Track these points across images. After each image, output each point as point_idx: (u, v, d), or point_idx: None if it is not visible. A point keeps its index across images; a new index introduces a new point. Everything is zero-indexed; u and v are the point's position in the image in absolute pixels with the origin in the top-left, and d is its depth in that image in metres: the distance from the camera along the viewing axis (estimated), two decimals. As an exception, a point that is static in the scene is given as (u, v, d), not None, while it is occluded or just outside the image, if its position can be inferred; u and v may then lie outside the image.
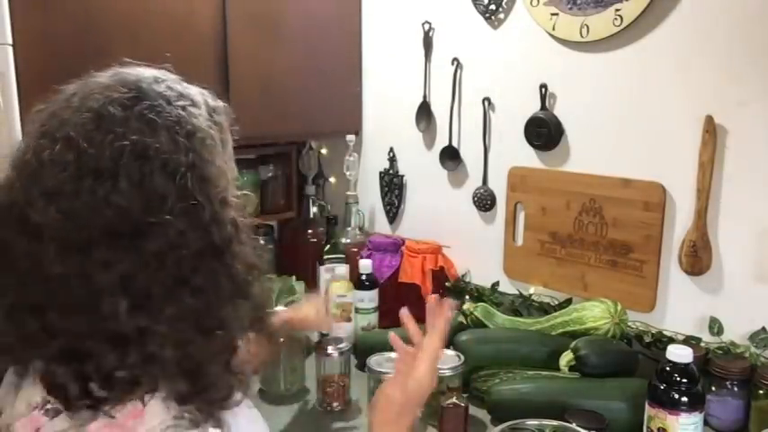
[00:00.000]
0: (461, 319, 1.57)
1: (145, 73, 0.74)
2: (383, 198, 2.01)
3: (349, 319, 1.69)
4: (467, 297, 1.75)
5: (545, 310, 1.61)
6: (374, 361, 1.37)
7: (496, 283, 1.73)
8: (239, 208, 0.74)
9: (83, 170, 0.64)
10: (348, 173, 1.96)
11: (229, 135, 0.80)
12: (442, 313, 1.05)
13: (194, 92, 0.76)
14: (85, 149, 0.65)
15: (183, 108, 0.71)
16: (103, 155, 0.65)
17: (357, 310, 1.69)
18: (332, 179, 2.16)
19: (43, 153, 0.66)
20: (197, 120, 0.72)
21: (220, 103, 0.79)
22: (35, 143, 0.67)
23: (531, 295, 1.66)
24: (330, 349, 1.41)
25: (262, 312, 0.77)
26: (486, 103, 1.71)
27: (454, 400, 1.25)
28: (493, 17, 1.66)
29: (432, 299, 1.07)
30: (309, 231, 2.04)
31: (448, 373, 1.34)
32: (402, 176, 1.95)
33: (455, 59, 1.76)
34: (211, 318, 0.69)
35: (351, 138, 1.93)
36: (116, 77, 0.72)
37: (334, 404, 1.41)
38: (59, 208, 0.64)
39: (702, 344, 1.37)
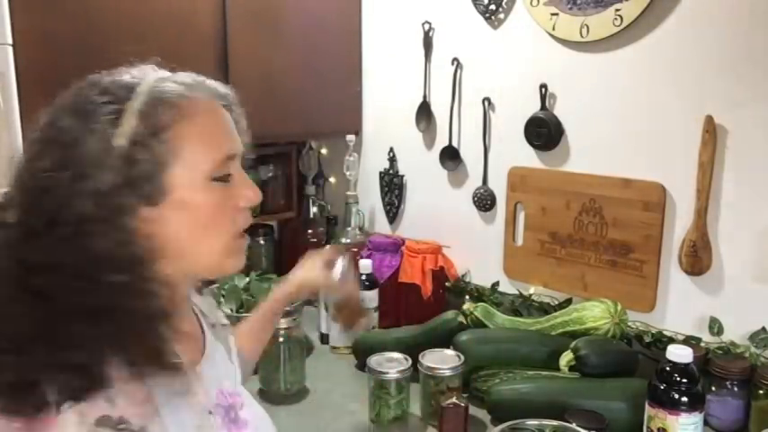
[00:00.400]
0: (461, 319, 1.57)
1: (104, 76, 0.74)
2: (383, 198, 2.01)
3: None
4: (467, 297, 1.75)
5: (545, 310, 1.61)
6: (374, 361, 1.37)
7: (496, 283, 1.73)
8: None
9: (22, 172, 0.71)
10: (348, 173, 1.96)
11: (187, 120, 0.73)
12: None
13: (143, 82, 0.73)
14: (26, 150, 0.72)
15: (98, 109, 0.70)
16: (26, 157, 0.71)
17: (357, 310, 1.69)
18: (332, 179, 2.16)
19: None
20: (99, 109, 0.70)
21: (175, 88, 0.74)
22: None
23: (531, 295, 1.66)
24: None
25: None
26: (486, 103, 1.71)
27: (454, 400, 1.25)
28: (493, 17, 1.67)
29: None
30: (309, 231, 2.04)
31: (448, 373, 1.34)
32: (402, 176, 1.95)
33: (455, 59, 1.76)
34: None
35: (351, 138, 1.93)
36: (81, 82, 0.74)
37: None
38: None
39: (702, 344, 1.37)
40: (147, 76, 0.74)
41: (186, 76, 0.77)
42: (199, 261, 0.77)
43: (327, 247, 1.24)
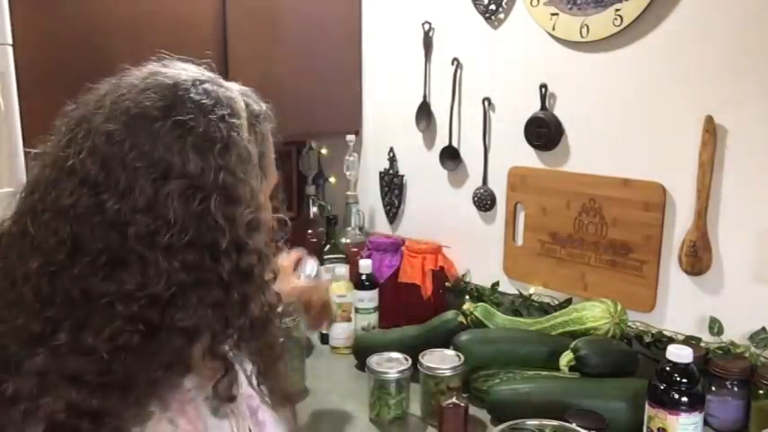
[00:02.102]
0: (461, 319, 1.57)
1: (182, 75, 0.69)
2: (383, 198, 2.00)
3: (349, 319, 1.69)
4: (467, 297, 1.75)
5: (545, 310, 1.61)
6: (374, 361, 1.37)
7: (496, 283, 1.73)
8: (271, 225, 0.72)
9: (99, 186, 0.61)
10: (348, 173, 1.96)
11: (270, 143, 0.76)
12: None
13: (235, 95, 0.71)
14: (106, 163, 0.62)
15: (222, 119, 0.66)
16: (121, 172, 0.61)
17: (357, 310, 1.70)
18: (332, 179, 2.16)
19: (66, 163, 0.63)
20: (234, 133, 0.66)
21: (263, 107, 0.75)
22: (61, 151, 0.64)
23: (531, 295, 1.66)
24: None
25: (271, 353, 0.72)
26: (486, 103, 1.71)
27: (454, 400, 1.25)
28: (493, 17, 1.66)
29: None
30: (309, 231, 2.04)
31: (448, 373, 1.34)
32: (402, 176, 1.95)
33: (455, 59, 1.76)
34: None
35: (351, 138, 1.93)
36: (151, 80, 0.68)
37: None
38: (70, 226, 0.62)
39: (702, 344, 1.37)
40: (232, 88, 0.73)
41: (248, 90, 0.77)
42: None
43: (290, 252, 1.25)
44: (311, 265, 1.26)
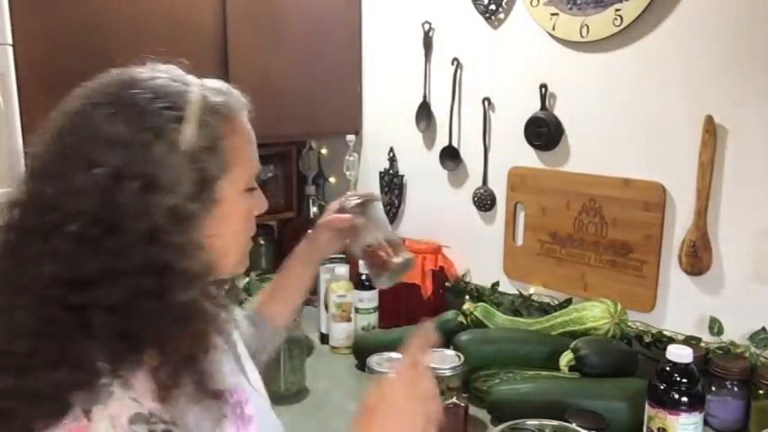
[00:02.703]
0: (461, 319, 1.57)
1: (146, 73, 0.72)
2: (383, 198, 2.00)
3: (349, 319, 1.69)
4: (467, 297, 1.75)
5: (545, 310, 1.61)
6: (374, 361, 1.37)
7: (496, 283, 1.73)
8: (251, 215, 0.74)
9: (37, 171, 0.68)
10: (348, 173, 1.96)
11: (240, 134, 0.77)
12: (422, 342, 0.89)
13: (190, 89, 0.72)
14: (49, 155, 0.68)
15: (157, 111, 0.69)
16: (59, 162, 0.67)
17: (357, 310, 1.70)
18: (332, 179, 2.16)
19: (27, 157, 0.70)
20: (171, 124, 0.69)
21: (231, 99, 0.77)
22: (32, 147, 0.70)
23: (531, 295, 1.66)
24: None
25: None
26: (486, 103, 1.71)
27: (454, 400, 1.25)
28: (493, 17, 1.66)
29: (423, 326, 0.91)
30: (309, 231, 2.03)
31: (448, 373, 1.34)
32: (402, 176, 1.95)
33: (455, 59, 1.76)
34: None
35: (351, 138, 1.93)
36: (116, 77, 0.72)
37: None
38: (17, 209, 0.68)
39: (702, 344, 1.37)
40: (192, 84, 0.74)
41: (221, 86, 0.78)
42: (227, 265, 0.79)
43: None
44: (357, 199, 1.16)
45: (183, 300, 0.66)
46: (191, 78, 0.75)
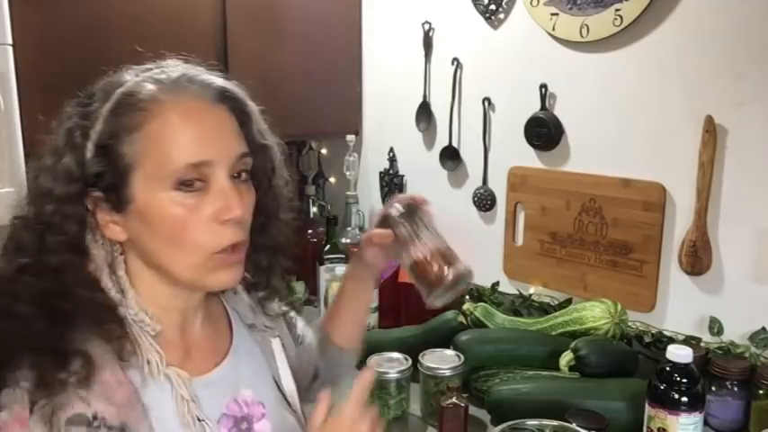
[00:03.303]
0: (461, 319, 1.57)
1: (121, 76, 0.75)
2: (383, 198, 2.00)
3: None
4: (467, 297, 1.74)
5: (545, 310, 1.61)
6: (374, 361, 1.37)
7: (496, 283, 1.73)
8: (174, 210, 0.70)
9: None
10: (348, 173, 1.96)
11: (160, 125, 0.70)
12: (362, 380, 0.82)
13: (124, 80, 0.73)
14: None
15: (77, 103, 0.73)
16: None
17: (357, 310, 1.69)
18: (332, 179, 2.16)
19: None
20: (83, 112, 0.72)
21: (156, 88, 0.71)
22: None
23: (531, 295, 1.66)
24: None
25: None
26: (486, 103, 1.71)
27: (454, 400, 1.25)
28: (493, 17, 1.66)
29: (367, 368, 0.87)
30: (309, 231, 2.04)
31: (448, 373, 1.34)
32: (402, 176, 1.95)
33: (455, 59, 1.76)
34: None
35: (351, 138, 1.93)
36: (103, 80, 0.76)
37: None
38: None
39: (702, 344, 1.37)
40: (136, 77, 0.73)
41: (177, 72, 0.74)
42: (178, 274, 0.73)
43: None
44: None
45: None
46: (150, 73, 0.74)
